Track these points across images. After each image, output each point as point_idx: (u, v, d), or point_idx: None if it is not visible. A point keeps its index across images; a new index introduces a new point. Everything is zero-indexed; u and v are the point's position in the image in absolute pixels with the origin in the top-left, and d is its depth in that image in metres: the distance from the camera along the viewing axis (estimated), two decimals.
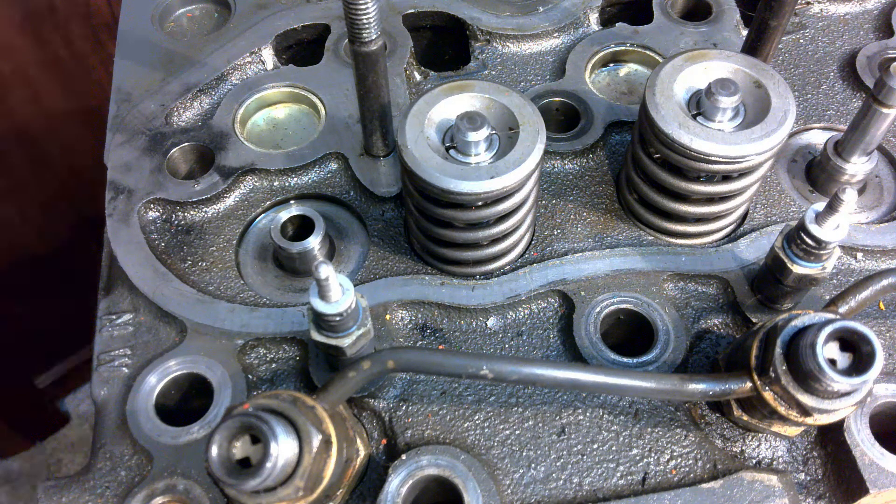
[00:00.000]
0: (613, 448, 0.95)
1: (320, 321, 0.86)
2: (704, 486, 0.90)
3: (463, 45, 1.39)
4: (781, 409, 0.84)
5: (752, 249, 1.10)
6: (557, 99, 1.27)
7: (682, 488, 0.90)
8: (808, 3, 1.43)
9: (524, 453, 0.94)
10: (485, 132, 0.93)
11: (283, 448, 0.70)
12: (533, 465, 0.93)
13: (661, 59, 1.26)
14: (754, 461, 0.96)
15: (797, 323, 0.83)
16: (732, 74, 1.02)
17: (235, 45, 1.33)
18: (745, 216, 1.15)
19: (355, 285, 1.06)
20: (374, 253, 1.11)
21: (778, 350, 0.82)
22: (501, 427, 0.96)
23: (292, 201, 1.18)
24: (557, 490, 0.92)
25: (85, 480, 0.94)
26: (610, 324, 1.06)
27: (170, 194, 1.15)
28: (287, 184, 1.19)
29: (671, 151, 0.99)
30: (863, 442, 0.92)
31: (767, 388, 0.84)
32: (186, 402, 1.02)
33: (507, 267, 1.09)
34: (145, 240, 1.11)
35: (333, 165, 1.20)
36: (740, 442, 0.96)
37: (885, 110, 1.03)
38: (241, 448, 0.70)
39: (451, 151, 0.96)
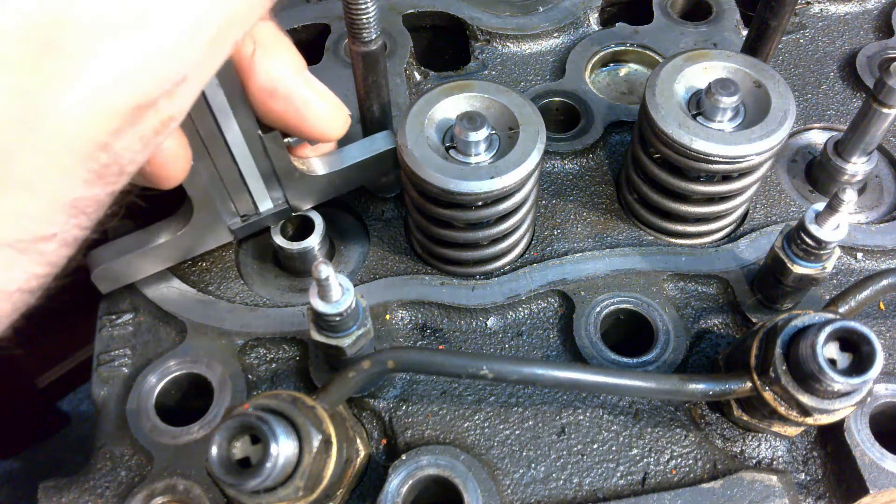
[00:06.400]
0: (613, 448, 0.95)
1: (320, 321, 0.86)
2: (704, 486, 0.90)
3: (463, 45, 1.39)
4: (781, 409, 0.84)
5: (752, 249, 1.10)
6: (557, 99, 1.28)
7: (682, 488, 0.90)
8: (808, 3, 1.43)
9: (524, 453, 0.94)
10: (485, 132, 0.93)
11: (283, 448, 0.70)
12: (533, 465, 0.93)
13: (661, 59, 1.26)
14: (754, 461, 0.95)
15: (797, 323, 0.83)
16: (732, 74, 1.02)
17: None
18: (745, 216, 1.15)
19: (355, 285, 1.06)
20: (374, 253, 1.11)
21: (778, 350, 0.82)
22: (501, 427, 0.96)
23: None
24: (557, 490, 0.92)
25: (85, 480, 0.94)
26: (610, 324, 1.06)
27: None
28: None
29: (671, 151, 0.99)
30: (863, 442, 0.92)
31: (767, 388, 0.84)
32: (186, 402, 1.02)
33: (507, 267, 1.09)
34: None
35: None
36: (740, 442, 0.96)
37: (885, 110, 1.03)
38: (241, 448, 0.70)
39: (451, 151, 0.96)
